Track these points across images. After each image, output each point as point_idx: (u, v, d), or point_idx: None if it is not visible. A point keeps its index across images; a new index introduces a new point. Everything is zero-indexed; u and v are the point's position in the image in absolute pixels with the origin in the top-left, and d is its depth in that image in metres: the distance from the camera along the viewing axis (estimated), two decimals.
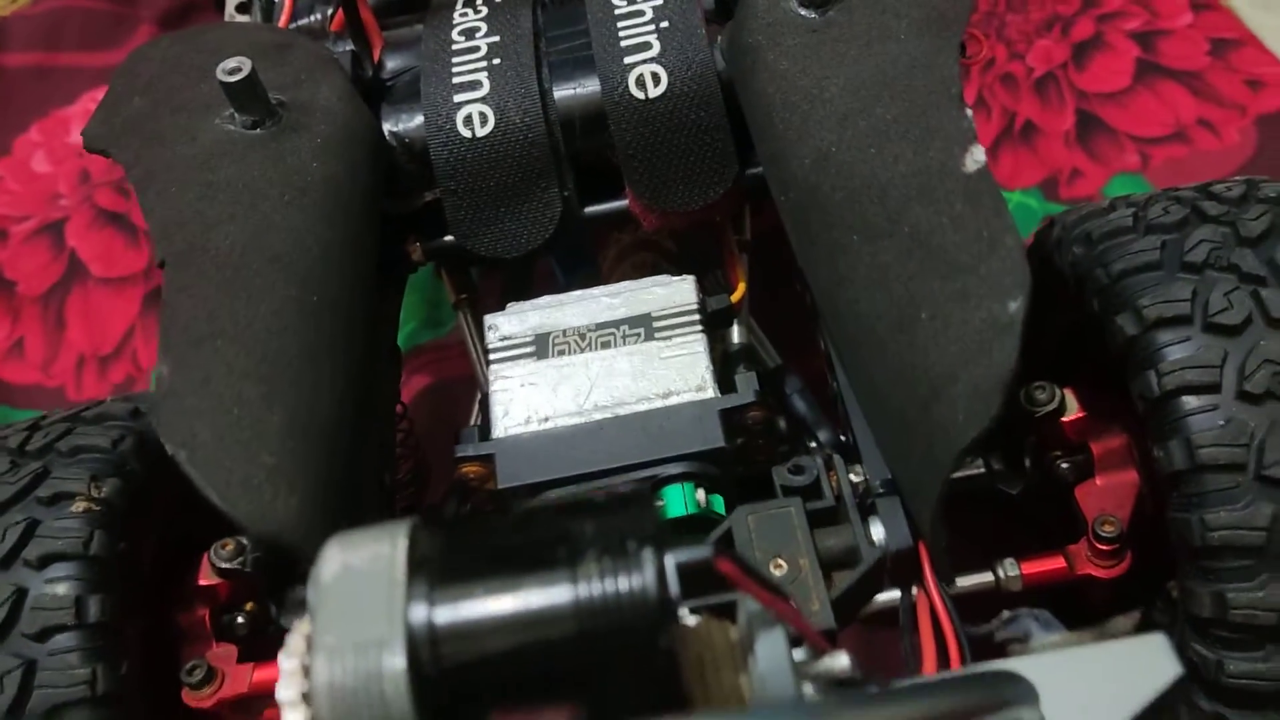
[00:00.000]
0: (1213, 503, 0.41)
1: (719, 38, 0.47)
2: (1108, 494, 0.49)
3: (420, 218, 0.51)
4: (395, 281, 0.53)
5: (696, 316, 0.47)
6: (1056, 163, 0.79)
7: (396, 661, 0.26)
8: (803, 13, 0.42)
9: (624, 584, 0.26)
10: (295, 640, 0.29)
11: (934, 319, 0.35)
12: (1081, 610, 0.48)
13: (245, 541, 0.50)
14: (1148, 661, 0.34)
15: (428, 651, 0.26)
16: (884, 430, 0.40)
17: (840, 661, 0.31)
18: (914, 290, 0.36)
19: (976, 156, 0.36)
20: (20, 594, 0.43)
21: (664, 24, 0.47)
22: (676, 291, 0.47)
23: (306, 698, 0.28)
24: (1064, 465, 0.49)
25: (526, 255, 0.51)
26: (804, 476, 0.42)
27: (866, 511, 0.41)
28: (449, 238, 0.50)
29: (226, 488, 0.35)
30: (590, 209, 0.50)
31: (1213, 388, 0.41)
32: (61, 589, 0.43)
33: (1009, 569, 0.47)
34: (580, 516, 0.28)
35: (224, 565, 0.49)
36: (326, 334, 0.39)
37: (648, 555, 0.26)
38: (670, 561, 0.27)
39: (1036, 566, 0.48)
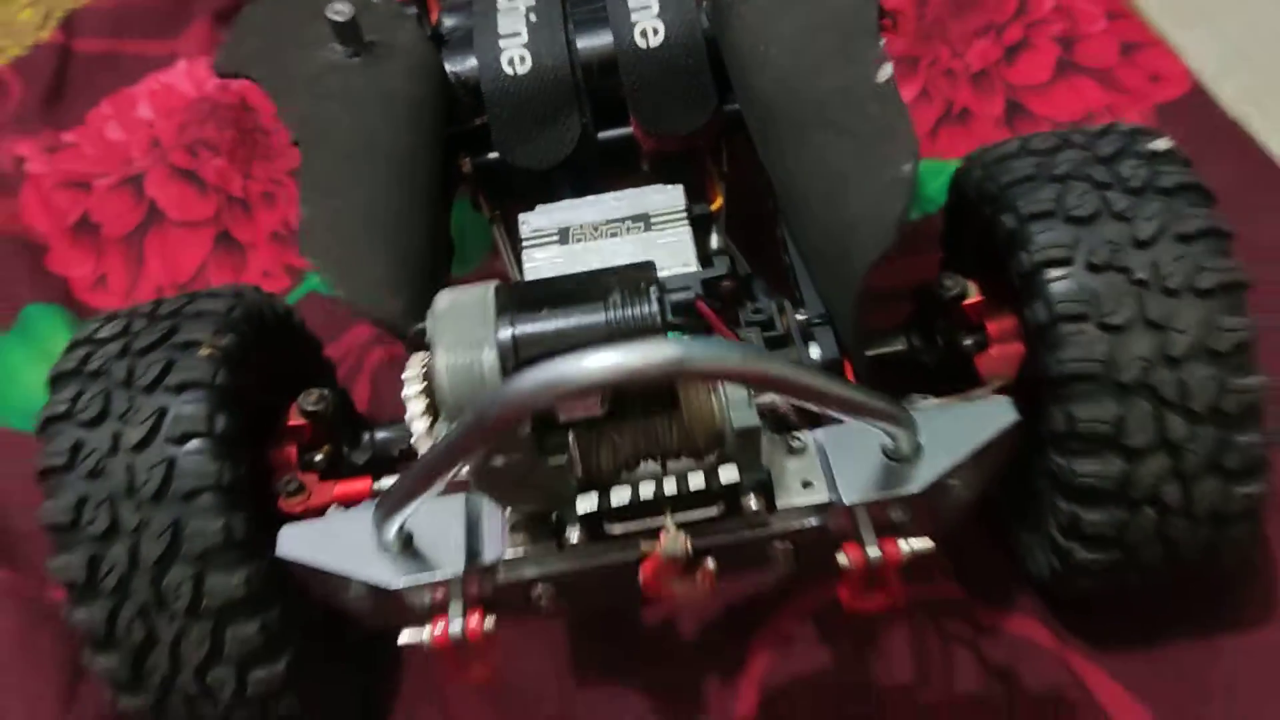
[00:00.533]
0: (1066, 344, 0.55)
1: (704, 2, 0.62)
2: (999, 361, 0.62)
3: (470, 139, 0.65)
4: (449, 195, 0.67)
5: (684, 215, 0.61)
6: (987, 140, 0.94)
7: (489, 354, 0.40)
8: None
9: (636, 310, 0.40)
10: (413, 363, 0.44)
11: (852, 183, 0.49)
12: None
13: (326, 392, 0.63)
14: (996, 412, 0.49)
15: (509, 348, 0.40)
16: (818, 274, 0.54)
17: (776, 401, 0.45)
18: (840, 166, 0.50)
19: (885, 73, 0.50)
20: (163, 411, 0.56)
21: None
22: (669, 196, 0.62)
23: (426, 390, 0.42)
24: (967, 341, 0.63)
25: (549, 187, 0.65)
26: (762, 314, 0.56)
27: (807, 338, 0.55)
28: (492, 155, 0.64)
29: (350, 290, 0.49)
30: (602, 134, 0.64)
31: (1068, 261, 0.56)
32: (194, 408, 0.57)
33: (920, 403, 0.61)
34: (606, 276, 0.42)
35: (309, 409, 0.63)
36: (413, 196, 0.53)
37: (653, 292, 0.40)
38: (667, 298, 0.41)
39: None
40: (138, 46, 1.17)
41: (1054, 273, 0.55)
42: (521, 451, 0.43)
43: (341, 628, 0.66)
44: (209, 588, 0.55)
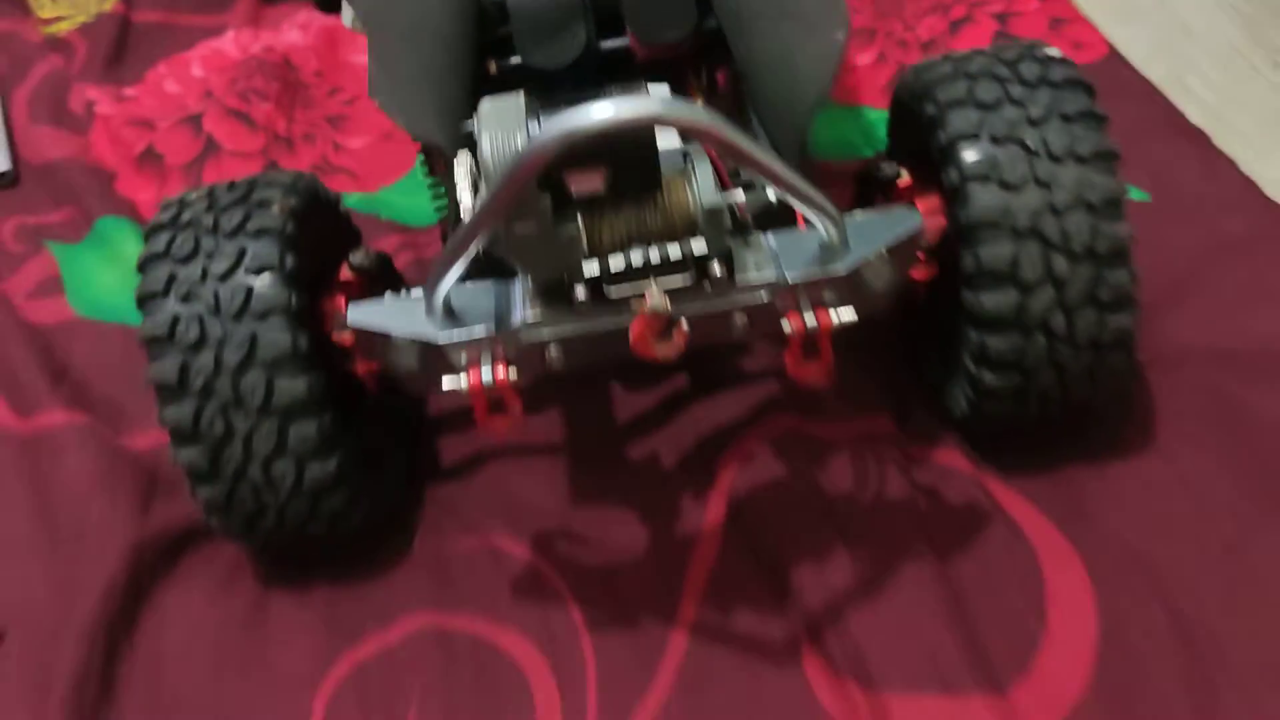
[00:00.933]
0: (972, 199, 0.68)
1: None
2: (927, 232, 0.77)
3: (496, 47, 0.79)
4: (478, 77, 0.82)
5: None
6: None
7: (520, 134, 0.54)
8: None
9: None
10: (461, 159, 0.58)
11: (799, 51, 0.64)
12: None
13: (372, 250, 0.78)
14: (905, 217, 0.63)
15: (538, 127, 0.54)
16: (774, 130, 0.69)
17: (738, 195, 0.60)
18: (791, 40, 0.65)
19: None
20: (242, 251, 0.70)
21: None
22: (656, 89, 0.76)
23: (470, 173, 0.56)
24: None
25: (558, 87, 0.79)
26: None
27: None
28: (514, 59, 0.79)
29: (407, 121, 0.64)
30: (604, 43, 0.79)
31: (975, 136, 0.70)
32: (267, 248, 0.70)
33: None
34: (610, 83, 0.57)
35: (358, 263, 0.77)
36: (449, 61, 0.69)
37: (650, 87, 0.55)
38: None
39: None
40: (190, 19, 1.33)
41: (964, 144, 0.70)
42: (541, 220, 0.57)
43: (381, 442, 0.79)
44: (278, 389, 0.68)
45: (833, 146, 1.06)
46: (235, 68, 1.22)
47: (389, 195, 1.09)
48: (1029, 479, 0.79)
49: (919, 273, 0.76)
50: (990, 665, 0.71)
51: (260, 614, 0.79)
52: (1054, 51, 0.76)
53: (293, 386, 0.68)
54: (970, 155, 0.69)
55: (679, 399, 0.88)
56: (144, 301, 0.70)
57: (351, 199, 1.06)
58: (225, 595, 0.80)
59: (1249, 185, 0.97)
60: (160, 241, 0.72)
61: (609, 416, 0.88)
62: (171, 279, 0.69)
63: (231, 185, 0.76)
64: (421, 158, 0.88)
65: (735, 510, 0.79)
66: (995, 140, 0.69)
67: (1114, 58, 1.11)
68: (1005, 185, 0.68)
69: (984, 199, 0.68)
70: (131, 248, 1.03)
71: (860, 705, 0.69)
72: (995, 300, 0.69)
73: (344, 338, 0.75)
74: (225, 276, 0.69)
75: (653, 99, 0.50)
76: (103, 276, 1.03)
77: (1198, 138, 1.02)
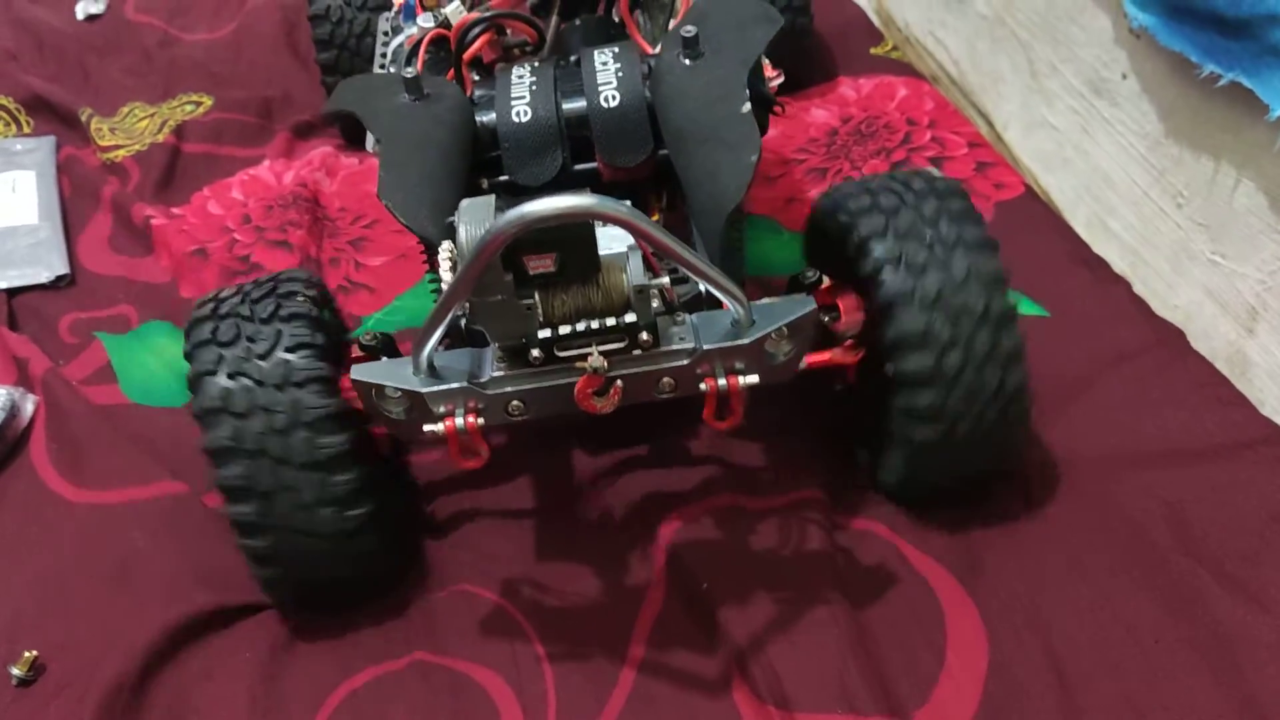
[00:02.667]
0: (885, 283, 0.82)
1: (646, 80, 0.94)
2: (849, 326, 0.90)
3: (487, 166, 0.95)
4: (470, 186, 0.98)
5: None
6: None
7: (489, 225, 0.69)
8: (684, 61, 0.89)
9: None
10: (444, 246, 0.73)
11: (723, 168, 0.80)
12: None
13: (379, 333, 0.92)
14: (801, 302, 0.77)
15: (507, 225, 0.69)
16: (703, 228, 0.84)
17: (664, 280, 0.75)
18: (718, 159, 0.81)
19: (745, 109, 0.82)
20: (279, 332, 0.81)
21: (619, 73, 0.93)
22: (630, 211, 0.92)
23: (451, 257, 0.71)
24: (825, 317, 0.92)
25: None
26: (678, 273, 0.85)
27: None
28: (502, 177, 0.95)
29: (410, 220, 0.80)
30: (576, 166, 0.95)
31: (884, 234, 0.83)
32: (301, 329, 0.82)
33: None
34: None
35: (366, 344, 0.88)
36: (445, 172, 0.85)
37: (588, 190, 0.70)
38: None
39: (815, 359, 0.87)
40: (232, 150, 1.51)
41: (874, 240, 0.83)
42: (505, 292, 0.72)
43: (392, 500, 0.92)
44: (321, 444, 0.79)
45: (785, 265, 1.21)
46: (272, 196, 1.40)
47: (402, 301, 1.25)
48: (936, 541, 0.92)
49: (847, 357, 0.89)
50: (894, 694, 0.82)
51: (277, 657, 0.91)
52: (937, 171, 0.92)
53: (333, 441, 0.79)
54: (879, 249, 0.82)
55: (633, 468, 1.01)
56: (196, 380, 0.80)
57: (369, 321, 1.23)
58: (250, 647, 0.91)
59: (1140, 304, 1.11)
60: (205, 330, 0.82)
61: (570, 483, 1.01)
62: (220, 359, 0.80)
63: (258, 283, 0.88)
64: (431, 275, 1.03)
65: (676, 564, 0.92)
66: (899, 235, 0.84)
67: (1029, 196, 1.27)
68: (911, 268, 0.82)
69: (896, 282, 0.82)
70: (173, 349, 1.19)
71: None
72: (916, 361, 0.81)
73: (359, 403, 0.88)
74: (266, 355, 0.80)
75: (585, 196, 0.65)
76: (150, 364, 1.18)
77: (1098, 264, 1.17)
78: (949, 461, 0.88)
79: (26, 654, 0.91)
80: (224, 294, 0.87)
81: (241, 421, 0.79)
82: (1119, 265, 1.18)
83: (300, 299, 0.86)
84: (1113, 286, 1.14)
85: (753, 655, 0.85)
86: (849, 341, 0.89)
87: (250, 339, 0.81)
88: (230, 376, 0.80)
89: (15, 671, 0.90)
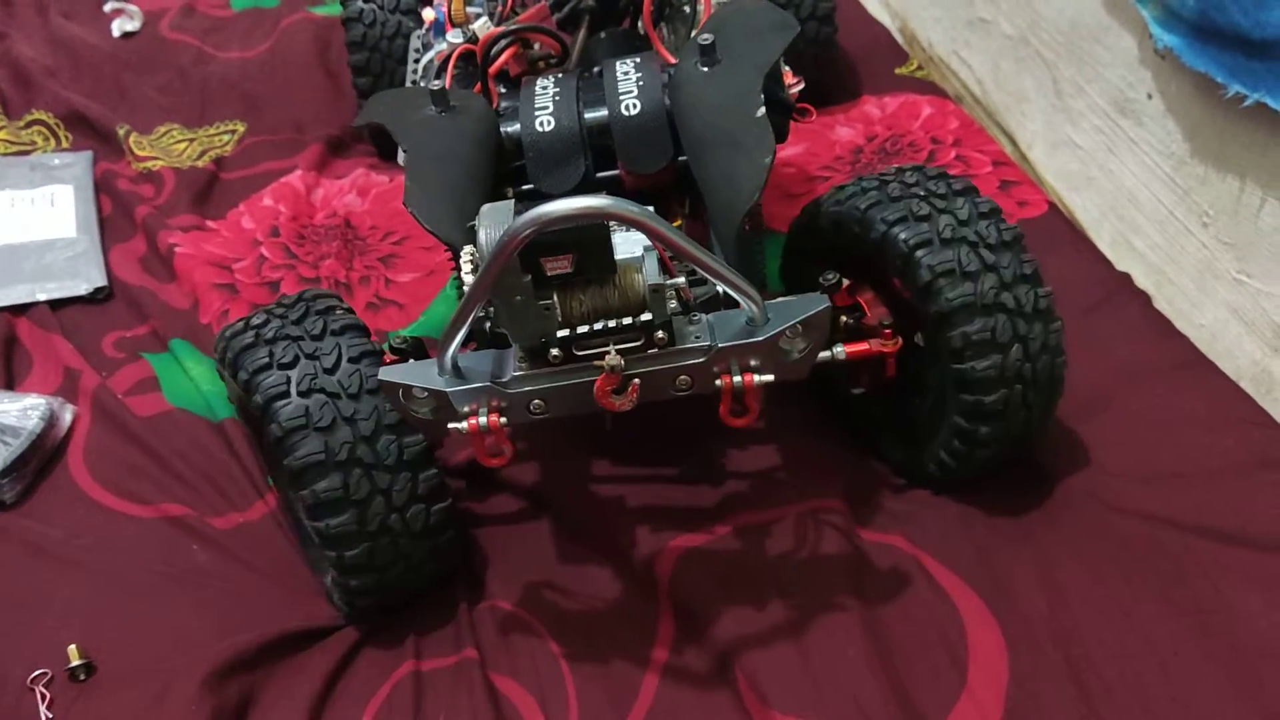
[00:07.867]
0: (945, 290, 0.83)
1: (666, 89, 0.95)
2: (878, 317, 0.90)
3: (513, 176, 0.97)
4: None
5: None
6: None
7: (508, 228, 0.70)
8: (701, 68, 0.90)
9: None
10: (466, 251, 0.75)
11: (739, 170, 0.82)
12: None
13: (409, 335, 0.93)
14: (815, 300, 0.78)
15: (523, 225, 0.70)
16: (720, 231, 0.85)
17: (680, 280, 0.76)
18: (735, 162, 0.83)
19: (760, 112, 0.83)
20: (339, 345, 0.84)
21: (640, 82, 0.95)
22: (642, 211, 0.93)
23: (472, 260, 0.73)
24: (844, 319, 0.92)
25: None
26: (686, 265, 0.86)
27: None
28: (526, 185, 0.96)
29: (433, 225, 0.82)
30: (599, 174, 0.96)
31: (930, 243, 0.85)
32: (359, 339, 0.85)
33: (838, 351, 0.88)
34: None
35: (397, 345, 0.89)
36: (469, 181, 0.86)
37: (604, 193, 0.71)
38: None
39: (854, 349, 0.89)
40: (266, 165, 1.53)
41: (922, 251, 0.85)
42: (524, 293, 0.72)
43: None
44: (407, 445, 0.82)
45: None
46: (303, 211, 1.41)
47: (435, 306, 1.27)
48: (957, 555, 0.92)
49: (886, 346, 0.90)
50: (914, 708, 0.82)
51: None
52: (935, 171, 0.92)
53: (416, 440, 0.82)
54: (930, 258, 0.84)
55: (652, 478, 1.02)
56: (269, 405, 0.81)
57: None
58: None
59: (1164, 322, 1.11)
60: (258, 356, 0.83)
61: (589, 492, 1.02)
62: (286, 381, 0.81)
63: (284, 304, 0.89)
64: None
65: (695, 573, 0.93)
66: (945, 241, 0.85)
67: (1053, 214, 1.27)
68: (968, 276, 0.84)
69: (956, 291, 0.83)
70: (197, 368, 1.21)
71: None
72: (985, 364, 0.84)
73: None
74: (333, 369, 0.83)
75: (599, 198, 0.66)
76: (193, 371, 1.21)
77: (1122, 282, 1.17)
78: (999, 449, 0.90)
79: (80, 658, 0.92)
80: (254, 320, 0.88)
81: (328, 435, 0.80)
82: (1143, 283, 1.18)
83: (340, 311, 0.88)
84: (1136, 304, 1.14)
85: (770, 667, 0.85)
86: (886, 330, 0.90)
87: (311, 356, 0.83)
88: (303, 394, 0.81)
89: (74, 667, 0.91)
